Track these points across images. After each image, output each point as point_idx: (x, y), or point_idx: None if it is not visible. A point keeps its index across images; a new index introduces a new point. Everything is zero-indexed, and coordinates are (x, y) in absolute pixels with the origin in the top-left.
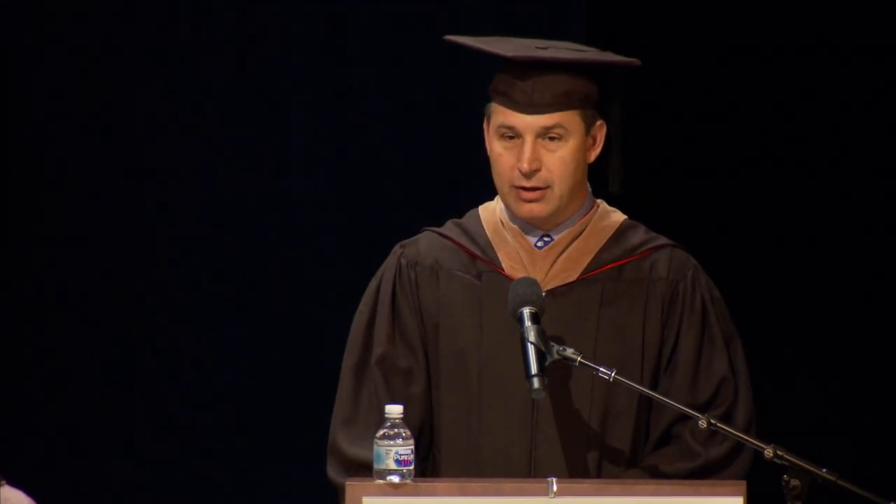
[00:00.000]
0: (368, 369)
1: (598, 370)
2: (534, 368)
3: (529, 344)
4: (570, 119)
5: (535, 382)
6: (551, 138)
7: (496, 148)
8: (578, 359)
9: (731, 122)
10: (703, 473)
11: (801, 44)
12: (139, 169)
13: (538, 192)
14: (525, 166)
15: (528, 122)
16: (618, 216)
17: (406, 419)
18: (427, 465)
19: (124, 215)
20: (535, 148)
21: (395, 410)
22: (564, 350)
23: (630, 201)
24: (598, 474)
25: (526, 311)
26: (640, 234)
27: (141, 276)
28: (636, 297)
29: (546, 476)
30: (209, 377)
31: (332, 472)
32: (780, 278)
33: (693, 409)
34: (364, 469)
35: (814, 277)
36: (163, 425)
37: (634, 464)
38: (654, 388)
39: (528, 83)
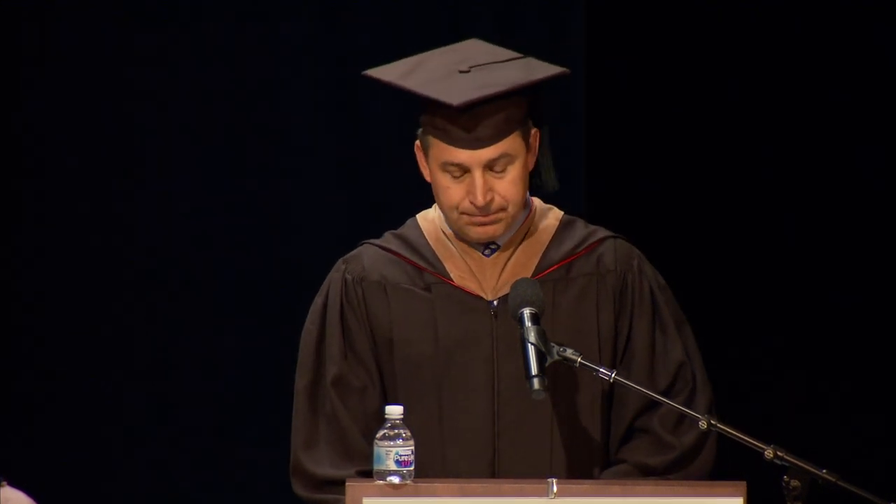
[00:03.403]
0: (322, 389)
1: (598, 371)
2: (534, 369)
3: (530, 344)
4: (512, 143)
5: (536, 383)
6: (499, 168)
7: (442, 181)
8: (579, 359)
9: (724, 118)
10: (681, 463)
11: (787, 43)
12: (137, 169)
13: (492, 217)
14: (480, 200)
15: (474, 158)
16: (555, 213)
17: (364, 436)
18: None
19: (122, 215)
20: (486, 179)
21: (395, 411)
22: (564, 351)
23: (610, 195)
24: (566, 478)
25: (526, 311)
26: (580, 229)
27: (140, 276)
28: (587, 292)
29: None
30: (208, 378)
31: (301, 490)
32: (773, 276)
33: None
34: (333, 486)
35: (810, 276)
36: (163, 425)
37: (603, 462)
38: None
39: (468, 120)
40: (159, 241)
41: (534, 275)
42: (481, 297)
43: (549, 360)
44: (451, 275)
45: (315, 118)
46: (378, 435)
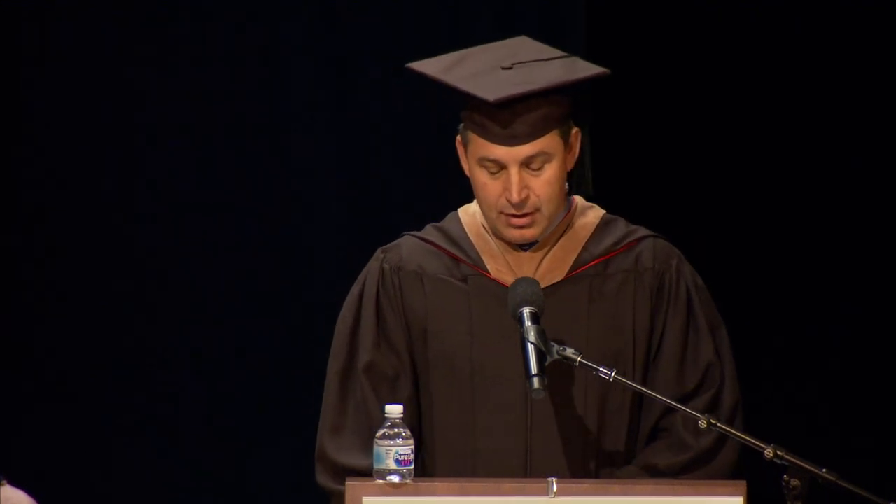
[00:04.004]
0: (354, 377)
1: (598, 370)
2: (534, 368)
3: (529, 344)
4: (550, 141)
5: (535, 382)
6: (535, 166)
7: (480, 177)
8: (578, 359)
9: (724, 119)
10: (697, 463)
11: (787, 45)
12: (137, 169)
13: (528, 218)
14: (515, 197)
15: (511, 154)
16: (597, 211)
17: None
18: (417, 470)
19: (122, 215)
20: (521, 176)
21: (395, 410)
22: (564, 350)
23: (610, 197)
24: (597, 473)
25: (526, 311)
26: (621, 228)
27: (139, 276)
28: (624, 290)
29: (543, 477)
30: (210, 378)
31: (322, 478)
32: (776, 276)
33: (681, 397)
34: (355, 475)
35: (810, 277)
36: (163, 425)
37: (630, 461)
38: (645, 379)
39: (505, 116)
40: (159, 240)
41: (571, 270)
42: None
43: (549, 360)
44: (489, 268)
45: (315, 118)
46: (378, 434)
